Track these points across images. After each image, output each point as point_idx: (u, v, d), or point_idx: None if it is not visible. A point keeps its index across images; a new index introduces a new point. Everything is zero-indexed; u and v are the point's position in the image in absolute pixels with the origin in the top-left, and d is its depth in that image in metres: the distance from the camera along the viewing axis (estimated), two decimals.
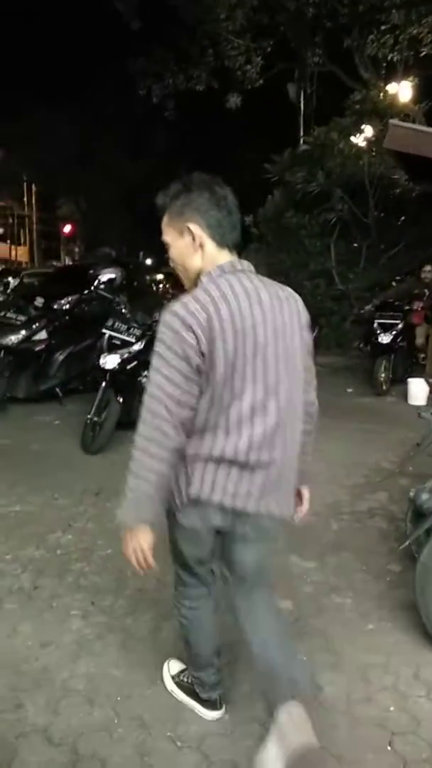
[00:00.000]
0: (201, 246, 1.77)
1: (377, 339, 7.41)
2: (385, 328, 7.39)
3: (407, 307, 7.72)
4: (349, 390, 7.60)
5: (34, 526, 3.59)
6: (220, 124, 19.26)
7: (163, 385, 1.65)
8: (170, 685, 2.25)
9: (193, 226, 1.76)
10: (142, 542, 1.73)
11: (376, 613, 2.77)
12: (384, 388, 7.25)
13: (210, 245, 1.77)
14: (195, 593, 2.00)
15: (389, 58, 12.39)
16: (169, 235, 1.82)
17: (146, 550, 1.74)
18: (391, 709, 2.18)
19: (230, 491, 1.73)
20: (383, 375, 7.28)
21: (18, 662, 2.39)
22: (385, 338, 7.34)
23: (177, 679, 2.25)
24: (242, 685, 2.28)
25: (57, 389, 6.43)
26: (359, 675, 2.35)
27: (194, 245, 1.77)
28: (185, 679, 2.22)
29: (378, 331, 7.43)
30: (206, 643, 2.04)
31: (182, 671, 2.26)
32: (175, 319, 1.64)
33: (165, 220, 1.82)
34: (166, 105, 15.45)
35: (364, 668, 2.39)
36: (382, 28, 11.94)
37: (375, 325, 7.51)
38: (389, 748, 2.01)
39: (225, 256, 1.79)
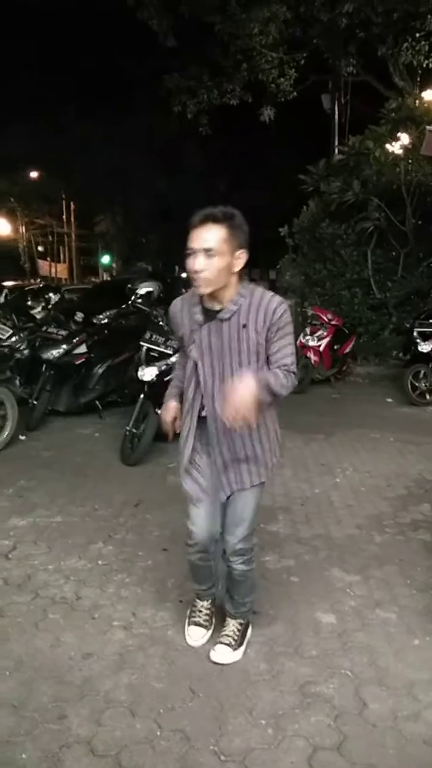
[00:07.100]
0: (235, 273, 2.12)
1: (416, 348, 7.29)
2: (425, 337, 7.27)
3: None
4: (389, 400, 7.49)
5: (76, 536, 3.63)
6: (254, 137, 19.33)
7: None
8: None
9: (245, 257, 2.10)
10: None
11: (422, 627, 2.70)
12: (429, 397, 7.12)
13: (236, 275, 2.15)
14: None
15: (424, 65, 12.28)
16: (218, 244, 2.04)
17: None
18: None
19: None
20: (423, 384, 7.15)
21: (61, 673, 2.41)
22: (425, 347, 7.21)
23: None
24: (289, 696, 2.25)
25: (96, 402, 6.52)
26: (406, 691, 2.29)
27: (236, 267, 2.10)
28: None
29: (417, 340, 7.31)
30: None
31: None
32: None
33: (223, 231, 2.04)
34: (200, 120, 15.58)
35: (410, 684, 2.33)
36: (417, 35, 11.83)
37: (414, 333, 7.39)
38: None
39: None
